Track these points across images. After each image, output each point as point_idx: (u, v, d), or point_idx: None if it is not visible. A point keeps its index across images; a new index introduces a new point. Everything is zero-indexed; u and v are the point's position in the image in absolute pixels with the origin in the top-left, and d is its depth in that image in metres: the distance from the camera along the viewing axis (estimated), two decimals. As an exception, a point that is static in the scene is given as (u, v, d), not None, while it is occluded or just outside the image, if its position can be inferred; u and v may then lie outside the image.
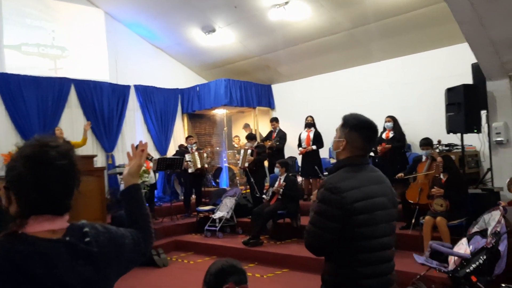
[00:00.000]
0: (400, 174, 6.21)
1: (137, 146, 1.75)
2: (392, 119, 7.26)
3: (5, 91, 8.30)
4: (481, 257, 3.88)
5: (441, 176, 5.46)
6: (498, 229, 4.03)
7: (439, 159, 5.46)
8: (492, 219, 4.29)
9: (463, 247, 4.24)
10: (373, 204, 1.98)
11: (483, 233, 4.26)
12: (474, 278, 3.77)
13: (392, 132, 7.21)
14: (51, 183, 1.23)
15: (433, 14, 7.44)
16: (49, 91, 8.81)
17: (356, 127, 2.09)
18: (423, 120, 8.15)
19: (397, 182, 6.71)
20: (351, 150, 2.09)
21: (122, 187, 1.66)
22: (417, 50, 8.57)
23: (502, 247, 3.96)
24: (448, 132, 5.88)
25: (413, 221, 5.69)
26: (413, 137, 7.90)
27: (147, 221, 1.60)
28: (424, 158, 6.02)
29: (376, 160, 7.55)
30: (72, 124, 8.99)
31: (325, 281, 2.08)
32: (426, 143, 6.01)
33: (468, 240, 4.33)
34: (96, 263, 1.27)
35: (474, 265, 3.85)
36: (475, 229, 4.45)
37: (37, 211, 1.22)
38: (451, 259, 4.22)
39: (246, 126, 10.95)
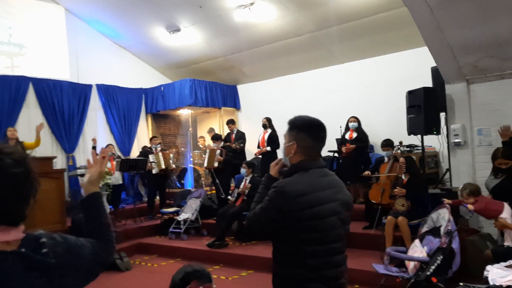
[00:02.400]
0: (366, 172, 6.33)
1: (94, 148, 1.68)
2: (357, 119, 7.37)
3: (-43, 89, 7.89)
4: (438, 258, 4.00)
5: (403, 177, 5.60)
6: (450, 228, 4.17)
7: (402, 159, 5.60)
8: (442, 217, 4.44)
9: (418, 250, 4.35)
10: (323, 210, 1.95)
11: (434, 232, 4.40)
12: (434, 279, 3.89)
13: (355, 132, 7.31)
14: (6, 193, 1.17)
15: (394, 18, 7.63)
16: (5, 90, 8.42)
17: (304, 127, 2.07)
18: (384, 121, 8.34)
19: (360, 181, 6.85)
20: (303, 152, 2.06)
21: (82, 189, 1.59)
22: (379, 53, 8.77)
23: (455, 244, 4.11)
24: (409, 134, 6.04)
25: (375, 221, 5.80)
26: (374, 138, 8.07)
27: (108, 230, 1.55)
28: (386, 159, 6.16)
29: (340, 161, 7.69)
30: (30, 125, 8.62)
31: (274, 285, 2.07)
32: (387, 144, 6.16)
33: (420, 241, 4.45)
34: (50, 275, 1.22)
35: (433, 267, 3.96)
36: (424, 228, 4.60)
37: None
38: (410, 263, 4.32)
39: (211, 130, 10.87)
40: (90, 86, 9.96)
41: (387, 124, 8.18)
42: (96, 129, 10.06)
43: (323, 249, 1.95)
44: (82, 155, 9.57)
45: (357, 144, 7.15)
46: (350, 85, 9.25)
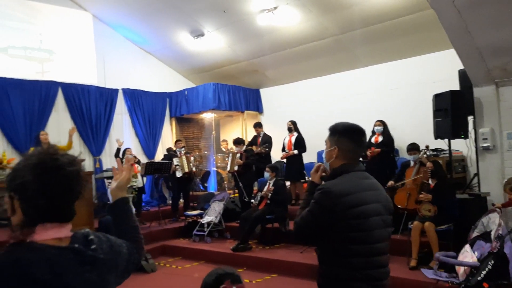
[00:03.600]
0: (390, 183, 6.19)
1: (122, 159, 1.75)
2: (382, 123, 7.28)
3: (-10, 94, 8.17)
4: (489, 263, 3.92)
5: (429, 181, 5.51)
6: (500, 232, 4.07)
7: (429, 164, 5.51)
8: (492, 222, 4.34)
9: (468, 255, 4.26)
10: (367, 210, 2.03)
11: (485, 236, 4.30)
12: (485, 285, 3.81)
13: (381, 136, 7.23)
14: (60, 190, 1.24)
15: (419, 20, 7.53)
16: (35, 94, 8.69)
17: (345, 133, 2.17)
18: (409, 125, 8.23)
19: (385, 185, 6.76)
20: (343, 157, 2.14)
21: (109, 191, 1.67)
22: (404, 55, 8.66)
23: (508, 249, 3.99)
24: (436, 138, 5.93)
25: (401, 226, 5.72)
26: (400, 142, 7.96)
27: (137, 232, 1.63)
28: (412, 163, 6.07)
29: (365, 165, 7.61)
30: (59, 128, 8.86)
31: (319, 285, 2.13)
32: (413, 148, 6.07)
33: (471, 246, 4.36)
34: (100, 269, 1.30)
35: (484, 272, 3.88)
36: (475, 233, 4.49)
37: (44, 219, 1.23)
38: (460, 268, 4.24)
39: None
40: (116, 91, 10.16)
41: (413, 128, 8.06)
42: (122, 133, 10.25)
43: (367, 249, 2.02)
44: (109, 158, 9.77)
45: (382, 148, 7.07)
46: (375, 88, 9.15)
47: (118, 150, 8.52)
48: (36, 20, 9.10)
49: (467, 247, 4.40)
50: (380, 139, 7.20)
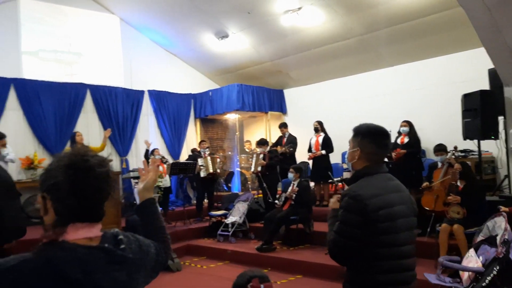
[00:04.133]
0: (425, 184, 6.01)
1: (148, 160, 1.78)
2: (408, 124, 7.16)
3: (23, 96, 8.44)
4: (494, 268, 3.82)
5: (458, 183, 5.40)
6: (506, 237, 3.97)
7: (457, 165, 5.40)
8: (498, 226, 4.22)
9: (473, 259, 4.16)
10: (394, 212, 2.01)
11: (490, 241, 4.19)
12: None
13: (407, 137, 7.12)
14: (91, 191, 1.26)
15: (447, 19, 7.39)
16: (65, 96, 8.94)
17: (368, 134, 2.15)
18: (437, 125, 8.08)
19: (412, 187, 6.64)
20: (366, 158, 2.13)
21: (135, 191, 1.71)
22: (431, 55, 8.52)
23: None
24: (465, 138, 5.82)
25: (428, 228, 5.63)
26: (426, 142, 7.83)
27: (164, 232, 1.66)
28: (439, 164, 5.96)
29: (390, 166, 7.51)
30: (88, 129, 9.08)
31: None
32: (440, 149, 5.96)
33: (476, 250, 4.26)
34: (129, 269, 1.32)
35: (489, 278, 3.78)
36: (480, 237, 4.38)
37: (76, 219, 1.26)
38: (464, 273, 4.15)
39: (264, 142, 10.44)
40: (142, 92, 10.34)
41: (440, 128, 7.91)
42: (148, 134, 10.42)
43: (394, 252, 2.00)
44: (135, 158, 9.95)
45: (408, 149, 6.96)
46: (400, 88, 9.03)
47: (147, 151, 8.67)
48: (66, 24, 9.35)
49: (471, 251, 4.29)
50: (406, 140, 7.09)
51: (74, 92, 9.11)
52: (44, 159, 8.55)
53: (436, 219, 5.57)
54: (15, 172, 7.88)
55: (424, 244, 5.55)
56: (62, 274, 1.17)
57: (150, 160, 1.76)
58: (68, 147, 7.90)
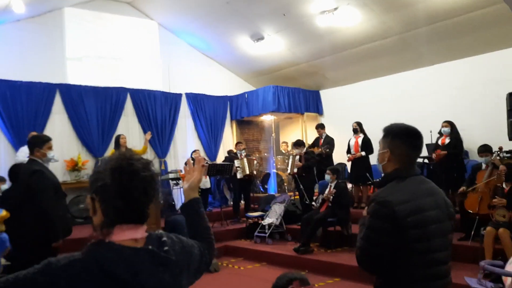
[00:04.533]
0: (462, 188, 5.81)
1: (192, 159, 1.80)
2: (450, 124, 6.95)
3: (67, 100, 8.81)
4: None
5: (503, 185, 5.20)
6: None
7: (502, 167, 5.20)
8: None
9: None
10: (426, 218, 1.90)
11: None
12: None
13: (448, 138, 6.92)
14: (136, 193, 1.29)
15: (490, 16, 7.15)
16: (107, 100, 9.26)
17: (398, 135, 2.05)
18: (480, 125, 7.82)
19: (454, 189, 6.43)
20: (397, 160, 2.03)
21: (173, 192, 1.75)
22: (473, 52, 8.26)
23: None
24: (510, 139, 5.59)
25: (472, 231, 5.44)
26: (470, 143, 7.58)
27: (209, 233, 1.67)
28: (483, 165, 5.75)
29: (431, 167, 7.32)
30: (128, 132, 9.34)
31: None
32: (484, 149, 5.75)
33: None
34: (173, 270, 1.34)
35: None
36: None
37: (122, 220, 1.30)
38: (508, 279, 3.98)
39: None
40: (180, 95, 10.55)
41: (484, 128, 7.64)
42: (185, 136, 10.62)
43: (427, 259, 1.90)
44: (173, 160, 10.17)
45: (449, 150, 6.76)
46: (441, 87, 8.79)
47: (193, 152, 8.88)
48: (107, 31, 9.67)
49: None
50: (447, 140, 6.89)
51: (115, 96, 9.42)
52: (87, 161, 8.88)
53: (480, 222, 5.38)
54: (60, 173, 8.20)
55: (468, 248, 5.39)
56: (111, 274, 1.21)
57: (195, 160, 1.79)
58: (112, 149, 8.16)
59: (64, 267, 1.20)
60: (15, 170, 5.12)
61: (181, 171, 9.22)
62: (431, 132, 7.48)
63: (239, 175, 8.80)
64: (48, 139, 4.10)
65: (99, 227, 1.29)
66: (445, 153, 6.73)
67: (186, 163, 1.78)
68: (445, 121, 6.99)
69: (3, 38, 8.35)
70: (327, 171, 7.21)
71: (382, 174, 2.16)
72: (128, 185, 1.28)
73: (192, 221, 1.67)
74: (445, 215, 1.99)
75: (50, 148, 4.06)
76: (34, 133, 7.24)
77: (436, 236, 1.92)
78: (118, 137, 7.86)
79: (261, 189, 10.77)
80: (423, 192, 1.98)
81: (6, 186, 6.06)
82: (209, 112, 10.98)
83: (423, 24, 7.99)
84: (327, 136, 8.98)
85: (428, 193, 1.99)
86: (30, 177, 3.85)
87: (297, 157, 8.14)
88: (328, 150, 8.60)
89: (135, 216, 1.32)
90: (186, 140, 10.67)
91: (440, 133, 7.02)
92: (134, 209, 1.30)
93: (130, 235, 1.30)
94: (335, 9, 8.06)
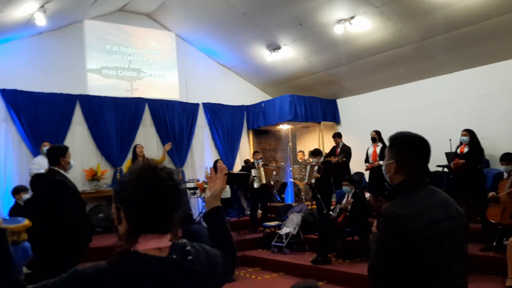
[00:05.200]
0: (491, 194, 5.65)
1: (215, 167, 1.79)
2: (469, 132, 6.84)
3: (87, 111, 8.98)
4: None
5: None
6: None
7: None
8: None
9: None
10: (440, 231, 1.80)
11: None
12: None
13: (467, 147, 6.81)
14: (161, 203, 1.29)
15: (507, 22, 7.07)
16: (126, 111, 9.40)
17: (404, 145, 1.95)
18: (503, 134, 7.67)
19: (475, 199, 6.31)
20: (404, 171, 1.93)
21: (191, 201, 1.76)
22: (494, 60, 8.13)
23: None
24: (533, 147, 5.47)
25: (495, 242, 5.32)
26: (491, 152, 7.43)
27: (231, 242, 1.65)
28: (505, 174, 5.63)
29: (451, 176, 7.21)
30: (146, 142, 9.45)
31: None
32: (507, 158, 5.64)
33: None
34: (197, 280, 1.33)
35: None
36: None
37: (147, 230, 1.29)
38: None
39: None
40: (197, 105, 10.64)
41: (506, 136, 7.50)
42: (203, 145, 10.69)
43: (444, 274, 1.81)
44: (190, 169, 10.24)
45: (468, 160, 6.64)
46: (461, 95, 8.66)
47: (216, 161, 8.91)
48: (127, 42, 9.85)
49: None
50: (466, 149, 6.79)
51: (134, 106, 9.55)
52: (107, 170, 9.00)
53: (503, 232, 5.25)
54: (79, 183, 8.32)
55: (490, 259, 5.27)
56: (135, 285, 1.21)
57: (217, 168, 1.78)
58: (129, 159, 8.26)
59: (91, 277, 1.21)
60: (37, 181, 5.24)
61: (198, 180, 9.28)
62: (450, 140, 7.37)
63: (256, 185, 8.80)
64: (67, 148, 4.22)
65: (124, 236, 1.30)
66: (463, 162, 6.62)
67: (209, 172, 1.78)
68: (464, 130, 6.89)
69: (26, 51, 8.58)
70: (344, 182, 7.14)
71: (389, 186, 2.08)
72: (153, 195, 1.28)
73: (214, 230, 1.65)
74: (459, 226, 1.90)
75: (70, 156, 4.17)
76: (46, 144, 7.41)
77: (452, 249, 1.83)
78: (135, 147, 7.96)
79: (278, 199, 10.74)
80: (435, 203, 1.88)
81: (27, 195, 6.18)
82: (226, 121, 11.04)
83: (441, 32, 7.91)
84: (344, 145, 8.91)
85: (440, 204, 1.89)
86: (53, 187, 3.93)
87: (316, 167, 8.10)
88: (345, 159, 8.53)
89: (160, 225, 1.31)
90: (203, 150, 10.73)
91: (460, 142, 6.92)
92: (158, 219, 1.30)
93: (154, 244, 1.30)
94: (352, 17, 8.05)
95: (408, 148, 1.95)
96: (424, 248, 1.76)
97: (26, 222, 3.37)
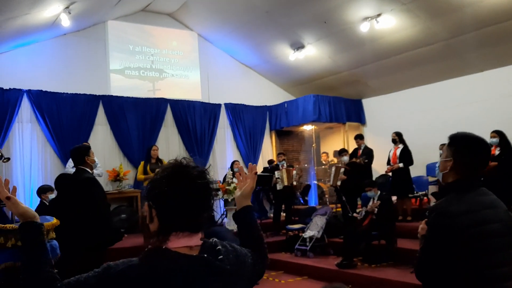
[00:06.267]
0: None
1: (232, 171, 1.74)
2: (498, 134, 6.63)
3: (110, 112, 9.00)
4: None
5: None
6: None
7: None
8: None
9: None
10: (488, 231, 1.82)
11: None
12: None
13: (498, 148, 6.57)
14: (192, 201, 1.29)
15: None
16: (148, 111, 9.39)
17: (464, 145, 1.98)
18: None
19: (506, 204, 6.04)
20: (460, 170, 1.95)
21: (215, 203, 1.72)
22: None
23: None
24: None
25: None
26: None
27: (262, 242, 1.64)
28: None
29: (482, 179, 6.93)
30: (168, 142, 9.45)
31: None
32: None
33: None
34: (227, 280, 1.33)
35: None
36: None
37: (178, 228, 1.30)
38: None
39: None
40: (219, 106, 10.57)
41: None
42: (224, 146, 10.61)
43: (490, 274, 1.80)
44: (212, 170, 10.09)
45: (500, 162, 6.39)
46: (490, 95, 8.40)
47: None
48: (149, 43, 9.86)
49: None
50: (496, 151, 6.55)
51: (156, 107, 9.54)
52: (129, 171, 9.00)
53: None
54: (102, 183, 8.29)
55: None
56: (165, 282, 1.21)
57: (238, 171, 1.72)
58: (142, 161, 8.20)
59: (122, 272, 1.22)
60: (62, 180, 5.29)
61: (220, 182, 9.20)
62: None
63: (279, 187, 8.67)
64: (89, 146, 4.27)
65: (156, 234, 1.31)
66: (495, 165, 6.38)
67: (239, 171, 1.78)
68: (494, 131, 6.68)
69: (51, 52, 8.66)
70: (366, 188, 6.95)
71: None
72: (184, 193, 1.28)
73: (244, 230, 1.65)
74: (507, 228, 1.89)
75: (93, 154, 4.23)
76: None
77: (499, 250, 1.83)
78: (149, 148, 7.87)
79: (301, 201, 10.57)
80: (485, 204, 1.90)
81: (53, 195, 6.21)
82: (248, 122, 10.93)
83: (470, 30, 7.68)
84: (365, 147, 8.69)
85: (490, 206, 1.90)
86: (84, 185, 3.97)
87: (342, 169, 7.92)
88: (366, 161, 8.31)
89: (191, 224, 1.32)
90: (225, 151, 10.65)
91: (490, 144, 6.66)
92: (190, 217, 1.31)
93: (185, 243, 1.30)
94: (378, 15, 7.85)
95: (467, 147, 1.97)
96: (471, 246, 1.78)
97: (54, 220, 3.42)
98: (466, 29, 7.69)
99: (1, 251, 3.07)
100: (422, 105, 9.52)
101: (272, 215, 9.29)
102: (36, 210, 1.35)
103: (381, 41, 8.56)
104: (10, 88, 8.03)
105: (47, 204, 6.08)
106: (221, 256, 1.33)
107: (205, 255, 1.30)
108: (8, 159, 6.99)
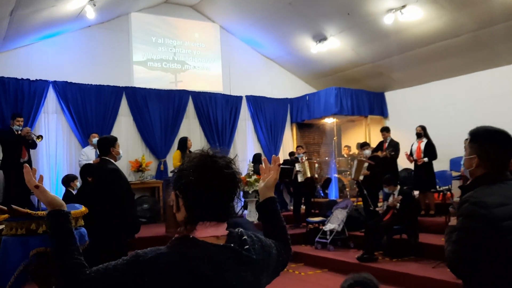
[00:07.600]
0: None
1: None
2: None
3: (133, 103, 9.12)
4: None
5: None
6: None
7: None
8: None
9: None
10: None
11: None
12: None
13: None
14: (219, 191, 1.30)
15: None
16: (170, 103, 9.48)
17: (487, 140, 1.92)
18: None
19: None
20: (486, 166, 1.90)
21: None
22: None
23: None
24: None
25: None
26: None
27: (285, 232, 1.65)
28: None
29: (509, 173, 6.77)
30: (189, 134, 9.48)
31: None
32: None
33: None
34: (254, 269, 1.33)
35: None
36: None
37: (205, 217, 1.30)
38: None
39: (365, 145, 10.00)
40: (240, 98, 10.57)
41: None
42: (245, 139, 10.63)
43: None
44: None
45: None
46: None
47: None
48: (171, 34, 9.92)
49: None
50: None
51: (178, 99, 9.62)
52: (151, 162, 9.12)
53: None
54: (125, 174, 8.39)
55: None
56: (195, 270, 1.22)
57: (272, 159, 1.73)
58: (177, 150, 8.18)
59: (151, 260, 1.23)
60: (87, 170, 5.41)
61: (241, 174, 9.23)
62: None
63: (300, 179, 8.65)
64: (116, 138, 4.31)
65: (183, 223, 1.32)
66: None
67: (262, 162, 1.76)
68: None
69: (76, 44, 8.80)
70: (384, 184, 6.88)
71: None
72: (211, 182, 1.29)
73: (268, 220, 1.66)
74: None
75: (119, 146, 4.27)
76: (95, 135, 7.62)
77: None
78: (185, 140, 7.87)
79: (322, 194, 10.53)
80: None
81: (79, 184, 6.35)
82: (269, 114, 10.92)
83: (499, 21, 7.48)
84: (392, 140, 8.55)
85: None
86: (108, 175, 4.03)
87: (366, 164, 7.84)
88: (393, 153, 8.19)
89: (218, 213, 1.32)
90: (246, 143, 10.67)
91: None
92: (216, 206, 1.31)
93: (212, 232, 1.31)
94: (403, 6, 7.70)
95: (490, 142, 1.91)
96: (507, 238, 1.73)
97: (83, 208, 3.52)
98: (495, 20, 7.49)
99: (33, 237, 3.20)
100: (447, 99, 9.32)
101: (292, 207, 9.28)
102: (62, 199, 1.38)
103: (406, 32, 8.40)
104: (36, 79, 8.20)
105: (74, 193, 6.23)
106: (247, 246, 1.34)
107: (233, 245, 1.31)
108: (42, 136, 7.24)
